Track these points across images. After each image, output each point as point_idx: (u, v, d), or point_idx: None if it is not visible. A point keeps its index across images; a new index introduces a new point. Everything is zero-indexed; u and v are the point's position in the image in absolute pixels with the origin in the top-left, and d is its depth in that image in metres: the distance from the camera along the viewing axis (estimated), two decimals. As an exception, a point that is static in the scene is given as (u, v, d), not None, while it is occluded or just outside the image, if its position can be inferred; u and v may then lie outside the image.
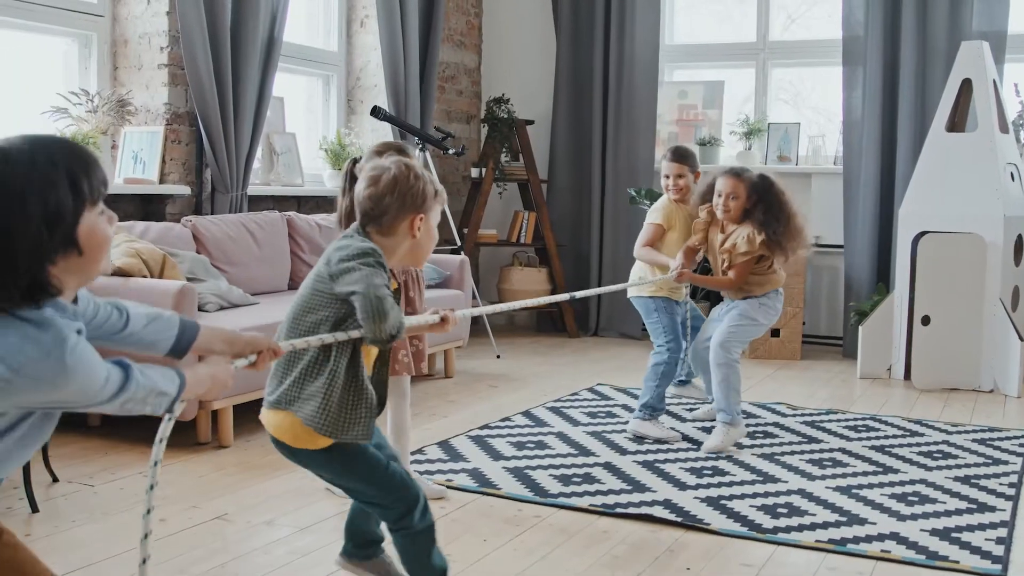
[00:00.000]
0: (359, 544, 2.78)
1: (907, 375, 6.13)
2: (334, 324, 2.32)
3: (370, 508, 2.55)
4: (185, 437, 4.40)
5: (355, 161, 3.73)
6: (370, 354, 2.49)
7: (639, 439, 4.55)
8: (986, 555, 3.21)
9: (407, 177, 2.43)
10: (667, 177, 4.71)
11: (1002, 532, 3.42)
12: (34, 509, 3.49)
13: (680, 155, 4.71)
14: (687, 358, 4.84)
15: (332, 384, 2.31)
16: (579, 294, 4.19)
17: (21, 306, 1.48)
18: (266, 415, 2.40)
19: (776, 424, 4.91)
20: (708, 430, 4.69)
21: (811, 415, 5.12)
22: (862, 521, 3.51)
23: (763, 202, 4.36)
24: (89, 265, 1.58)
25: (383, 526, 2.70)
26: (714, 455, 4.33)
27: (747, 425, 4.82)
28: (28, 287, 1.48)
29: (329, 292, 2.33)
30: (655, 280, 4.57)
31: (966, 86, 6.13)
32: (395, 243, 2.45)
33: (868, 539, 3.33)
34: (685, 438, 4.61)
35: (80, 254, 1.55)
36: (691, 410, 5.18)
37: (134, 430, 4.53)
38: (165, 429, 1.91)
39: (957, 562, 3.15)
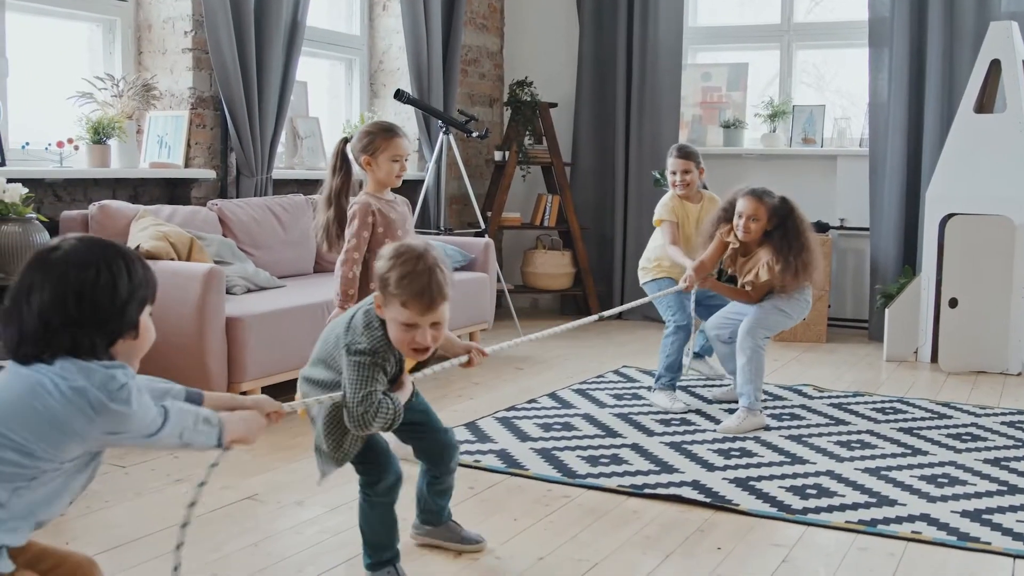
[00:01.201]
0: (428, 511, 3.05)
1: (934, 358, 6.10)
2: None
3: (355, 465, 2.73)
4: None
5: (346, 140, 3.76)
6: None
7: (665, 421, 4.56)
8: (1018, 536, 3.20)
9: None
10: (674, 173, 4.97)
11: (1033, 514, 3.41)
12: (65, 490, 3.51)
13: (686, 152, 4.98)
14: (700, 333, 5.10)
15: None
16: (606, 313, 4.55)
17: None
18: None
19: (803, 406, 4.89)
20: (732, 411, 4.69)
21: (838, 397, 5.10)
22: (892, 503, 3.50)
23: (783, 227, 4.42)
24: (140, 351, 1.93)
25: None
26: (741, 436, 4.32)
27: (774, 407, 4.84)
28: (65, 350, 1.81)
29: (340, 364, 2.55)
30: (671, 291, 4.79)
31: (994, 67, 6.08)
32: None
33: (899, 520, 3.33)
34: (709, 418, 4.60)
35: (136, 339, 1.90)
36: (711, 389, 5.20)
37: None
38: (197, 494, 2.18)
39: (989, 543, 3.14)
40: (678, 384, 4.99)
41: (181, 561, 2.16)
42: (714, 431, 4.40)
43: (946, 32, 6.62)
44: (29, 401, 1.75)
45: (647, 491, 3.59)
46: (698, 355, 5.29)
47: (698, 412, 4.78)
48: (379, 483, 2.71)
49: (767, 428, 4.46)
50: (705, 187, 5.22)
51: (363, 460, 2.69)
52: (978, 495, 3.59)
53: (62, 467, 1.82)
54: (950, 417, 4.73)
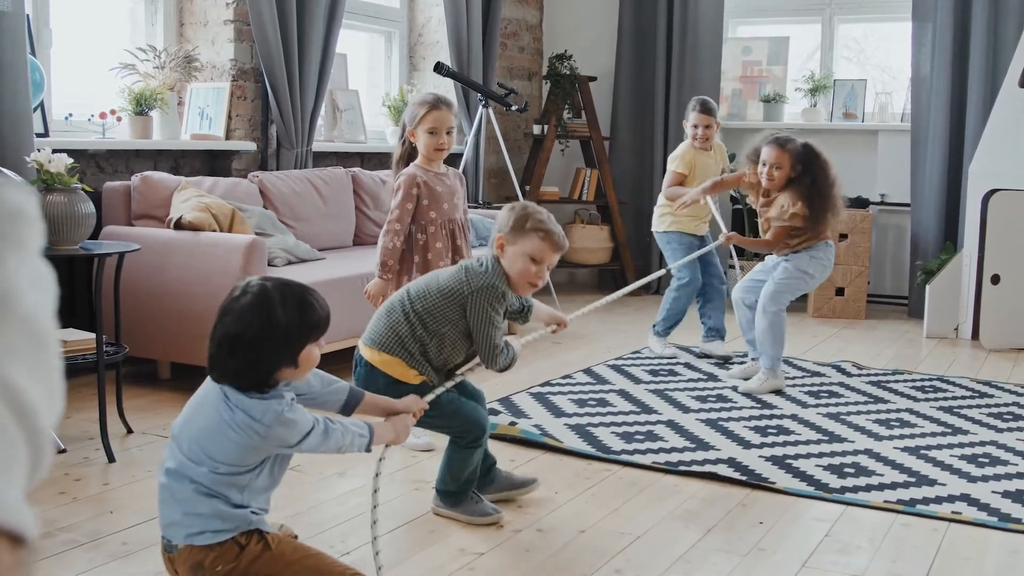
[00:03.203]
0: (482, 471, 3.25)
1: (975, 335, 6.06)
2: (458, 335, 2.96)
3: (453, 433, 3.10)
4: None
5: None
6: None
7: (702, 398, 4.55)
8: (1061, 517, 3.18)
9: (526, 214, 2.96)
10: (696, 127, 5.29)
11: (1076, 495, 3.39)
12: (111, 459, 3.57)
13: (708, 108, 5.29)
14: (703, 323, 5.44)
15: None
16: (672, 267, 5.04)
17: (255, 391, 2.27)
18: (370, 352, 2.99)
19: (841, 384, 4.87)
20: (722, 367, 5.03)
21: (877, 375, 5.08)
22: (932, 482, 3.48)
23: (807, 173, 4.47)
24: (301, 376, 2.36)
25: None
26: (778, 415, 4.31)
27: (812, 384, 4.84)
28: (259, 383, 2.28)
29: (460, 300, 2.92)
30: (701, 253, 5.13)
31: (1040, 41, 6.00)
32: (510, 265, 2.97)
33: (939, 500, 3.32)
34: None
35: (296, 368, 2.30)
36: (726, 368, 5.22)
37: (201, 383, 4.59)
38: (380, 466, 2.63)
39: (1031, 524, 3.13)
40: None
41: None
42: (750, 408, 4.40)
43: (991, 5, 6.53)
44: (218, 435, 2.25)
45: (682, 468, 3.59)
46: (710, 337, 5.46)
47: (687, 365, 5.20)
48: (480, 438, 3.08)
49: (804, 405, 4.45)
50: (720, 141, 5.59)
51: (462, 425, 3.06)
52: (1020, 475, 3.57)
53: (256, 468, 2.29)
54: (991, 396, 4.70)
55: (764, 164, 4.54)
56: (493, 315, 2.92)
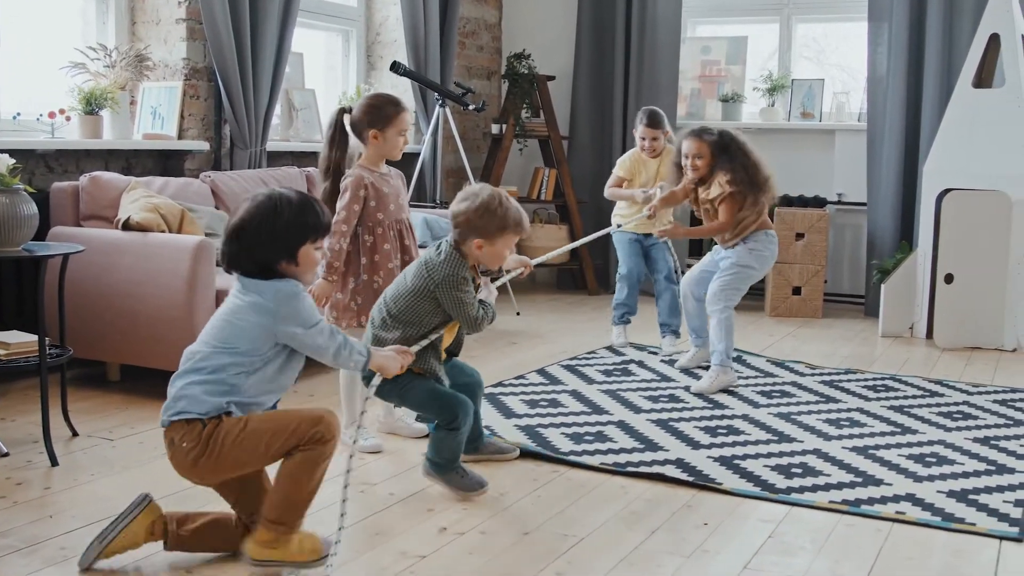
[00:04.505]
0: (471, 439, 3.55)
1: (929, 334, 6.09)
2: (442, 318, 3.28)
3: (431, 416, 3.38)
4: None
5: (343, 111, 3.72)
6: (452, 329, 3.41)
7: (653, 398, 4.56)
8: (1003, 517, 3.19)
9: (487, 208, 3.24)
10: (643, 139, 5.48)
11: (1021, 494, 3.40)
12: (53, 463, 3.53)
13: (655, 121, 5.44)
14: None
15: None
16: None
17: (262, 277, 2.64)
18: None
19: (794, 383, 4.89)
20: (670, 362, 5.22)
21: (830, 374, 5.09)
22: (877, 482, 3.49)
23: (727, 155, 4.68)
24: (302, 275, 2.70)
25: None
26: (729, 415, 4.32)
27: (764, 384, 4.86)
28: (263, 269, 2.64)
29: (430, 294, 3.24)
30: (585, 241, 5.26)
31: (993, 41, 6.03)
32: (466, 254, 3.28)
33: (883, 500, 3.32)
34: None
35: (297, 265, 2.66)
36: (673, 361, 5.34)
37: (153, 384, 4.55)
38: (348, 478, 2.81)
39: (973, 524, 3.14)
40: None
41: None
42: (701, 408, 4.40)
43: (946, 6, 6.57)
44: (230, 319, 2.63)
45: (629, 469, 3.58)
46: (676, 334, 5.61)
47: (641, 365, 5.24)
48: (455, 420, 3.29)
49: (755, 405, 4.47)
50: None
51: (439, 409, 3.31)
52: (965, 475, 3.59)
53: (267, 357, 2.64)
54: (942, 395, 4.73)
55: (687, 157, 4.76)
56: (462, 296, 3.23)
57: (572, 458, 3.69)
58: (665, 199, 5.04)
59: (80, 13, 5.37)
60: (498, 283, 3.52)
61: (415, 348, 3.15)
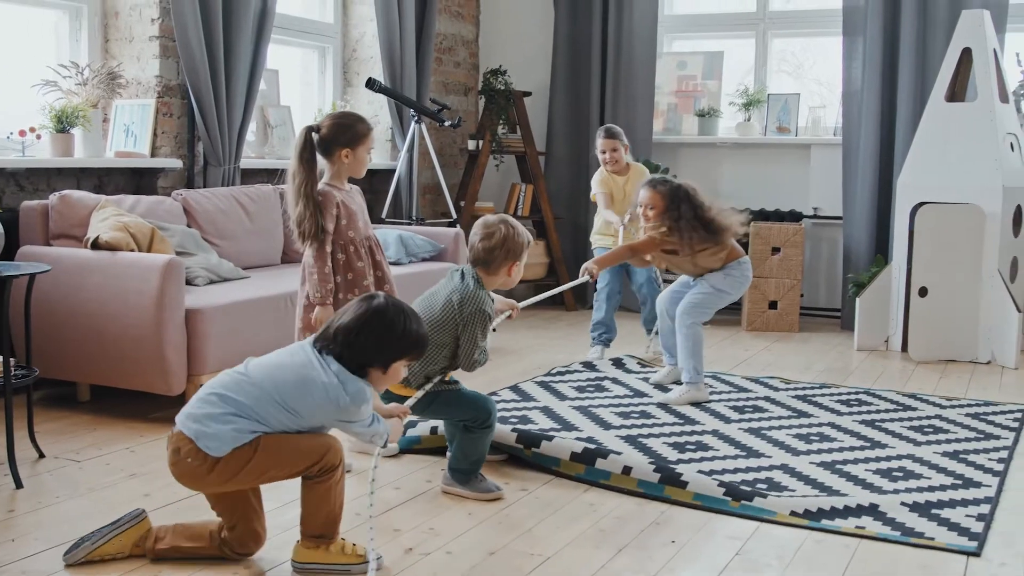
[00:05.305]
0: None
1: (904, 347, 6.11)
2: (445, 363, 3.46)
3: (466, 420, 3.51)
4: (175, 412, 4.38)
5: (310, 130, 3.69)
6: None
7: (624, 414, 4.55)
8: (964, 531, 3.19)
9: (512, 236, 3.47)
10: (603, 152, 5.72)
11: (984, 508, 3.40)
12: (18, 485, 3.50)
13: (612, 133, 5.73)
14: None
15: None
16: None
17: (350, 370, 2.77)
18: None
19: (767, 398, 4.89)
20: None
21: (804, 389, 5.10)
22: (841, 496, 3.47)
23: (675, 206, 4.75)
24: (384, 382, 2.87)
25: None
26: (699, 431, 4.31)
27: (738, 399, 4.87)
28: (357, 368, 2.77)
29: (453, 328, 3.42)
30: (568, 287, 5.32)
31: (966, 55, 6.07)
32: (495, 280, 3.53)
33: (844, 515, 3.32)
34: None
35: (384, 373, 2.82)
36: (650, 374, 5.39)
37: (123, 404, 4.54)
38: (377, 460, 3.08)
39: (933, 539, 3.14)
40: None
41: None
42: (671, 424, 4.40)
43: (919, 21, 6.61)
44: (302, 385, 2.72)
45: (601, 480, 3.59)
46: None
47: (614, 380, 5.23)
48: (489, 418, 3.48)
49: (726, 420, 4.47)
50: (632, 160, 5.96)
51: (473, 411, 3.48)
52: (931, 489, 3.59)
53: (311, 425, 2.79)
54: (915, 408, 4.73)
55: (640, 206, 4.87)
56: (479, 334, 3.43)
57: (532, 451, 3.78)
58: (629, 249, 5.02)
59: (53, 31, 5.36)
60: (491, 326, 3.59)
61: (410, 403, 3.32)
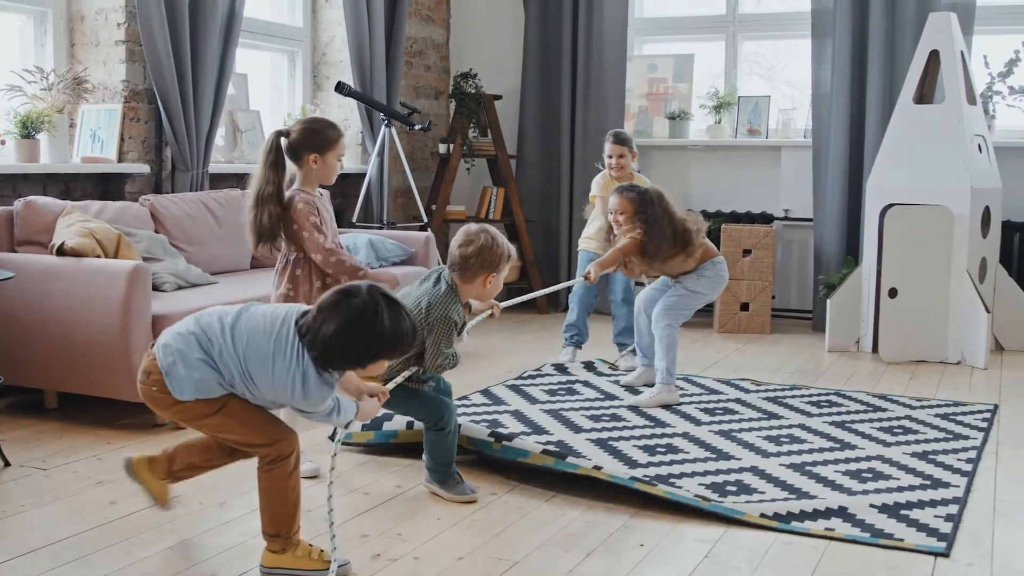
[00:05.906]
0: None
1: (875, 348, 6.13)
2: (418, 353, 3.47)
3: (418, 419, 3.62)
4: (143, 419, 4.37)
5: (280, 134, 3.66)
6: None
7: (595, 417, 4.55)
8: (932, 532, 3.20)
9: (491, 246, 3.45)
10: (610, 157, 5.63)
11: (953, 509, 3.41)
12: (-19, 494, 3.47)
13: (621, 138, 5.63)
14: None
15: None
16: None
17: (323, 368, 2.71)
18: None
19: (738, 400, 4.89)
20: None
21: (774, 391, 5.10)
22: (811, 498, 3.48)
23: (643, 211, 4.77)
24: (367, 374, 2.88)
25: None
26: (670, 433, 4.31)
27: (708, 401, 4.87)
28: (329, 365, 2.70)
29: (421, 332, 3.38)
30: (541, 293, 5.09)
31: (934, 58, 6.11)
32: (471, 289, 3.51)
33: (814, 516, 3.32)
34: (641, 414, 4.61)
35: (363, 370, 2.78)
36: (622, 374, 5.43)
37: (89, 412, 4.50)
38: (341, 435, 3.03)
39: (901, 540, 3.14)
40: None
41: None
42: (642, 427, 4.40)
43: (887, 23, 6.64)
44: (268, 367, 2.68)
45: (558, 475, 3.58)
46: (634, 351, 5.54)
47: (585, 384, 5.23)
48: (444, 418, 3.50)
49: (697, 423, 4.47)
50: (638, 171, 5.84)
51: (426, 412, 3.51)
52: (900, 489, 3.59)
53: (267, 401, 2.81)
54: (885, 410, 4.75)
55: (611, 212, 4.88)
56: (444, 342, 3.43)
57: (503, 445, 3.76)
58: (601, 263, 4.92)
59: (18, 35, 5.32)
60: (468, 326, 3.61)
61: (390, 386, 3.27)
